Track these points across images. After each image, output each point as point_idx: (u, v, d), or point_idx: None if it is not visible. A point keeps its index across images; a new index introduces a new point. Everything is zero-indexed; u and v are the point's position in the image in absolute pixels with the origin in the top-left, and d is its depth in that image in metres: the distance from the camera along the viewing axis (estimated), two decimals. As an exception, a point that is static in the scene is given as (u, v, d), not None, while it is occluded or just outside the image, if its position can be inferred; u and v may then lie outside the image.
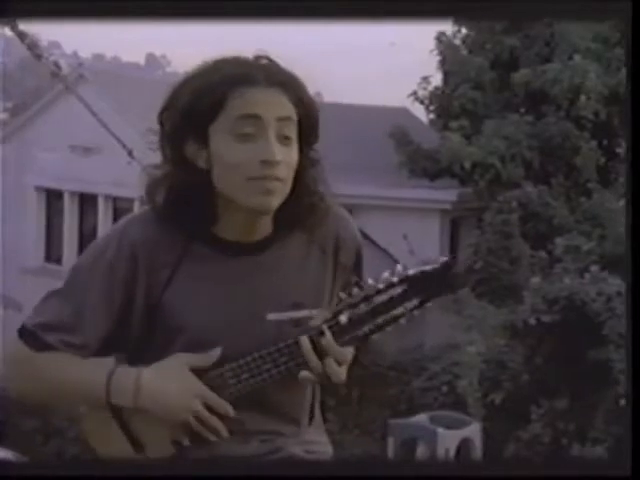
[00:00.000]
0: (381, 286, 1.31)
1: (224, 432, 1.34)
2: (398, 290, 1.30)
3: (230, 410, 1.34)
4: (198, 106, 1.32)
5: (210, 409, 1.34)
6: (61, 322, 1.36)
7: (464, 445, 6.76)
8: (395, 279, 1.31)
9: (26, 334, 1.36)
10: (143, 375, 1.34)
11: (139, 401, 1.33)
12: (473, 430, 6.90)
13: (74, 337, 1.36)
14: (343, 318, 1.31)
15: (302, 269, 1.42)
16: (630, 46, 1.47)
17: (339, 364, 1.33)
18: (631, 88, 1.48)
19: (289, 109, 1.34)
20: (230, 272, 1.38)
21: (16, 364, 1.38)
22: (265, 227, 1.39)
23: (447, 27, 12.12)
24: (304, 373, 1.33)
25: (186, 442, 1.35)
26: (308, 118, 1.36)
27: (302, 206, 1.37)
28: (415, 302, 1.31)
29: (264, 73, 1.33)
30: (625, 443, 1.40)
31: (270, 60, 1.36)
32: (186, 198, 1.34)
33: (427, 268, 1.31)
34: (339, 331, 1.32)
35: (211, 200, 1.35)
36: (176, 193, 1.35)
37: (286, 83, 1.34)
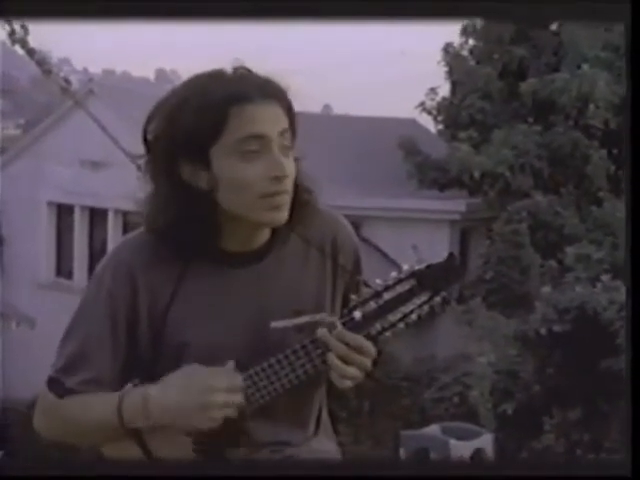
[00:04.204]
0: (390, 282, 1.31)
1: (240, 399, 1.31)
2: (406, 286, 1.31)
3: (239, 382, 1.32)
4: (197, 129, 1.30)
5: (223, 392, 1.30)
6: (74, 361, 1.37)
7: (476, 456, 6.72)
8: (402, 275, 1.31)
9: (51, 382, 1.38)
10: (149, 390, 1.34)
11: (150, 415, 1.32)
12: (485, 441, 6.85)
13: (88, 373, 1.36)
14: (357, 314, 1.31)
15: (302, 273, 1.42)
16: (630, 47, 1.47)
17: (361, 354, 1.32)
18: (631, 90, 1.48)
19: (285, 120, 1.34)
20: (231, 283, 1.38)
21: (45, 413, 1.40)
22: (264, 234, 1.40)
23: (454, 38, 12.17)
24: (331, 357, 1.30)
25: (206, 448, 1.33)
26: (292, 121, 1.37)
27: (297, 204, 1.37)
28: (424, 297, 1.31)
29: (256, 87, 1.32)
30: (625, 443, 1.39)
31: (249, 71, 1.35)
32: (188, 221, 1.32)
33: (433, 262, 1.32)
34: (352, 328, 1.32)
35: (214, 219, 1.34)
36: (177, 217, 1.33)
37: (277, 94, 1.34)
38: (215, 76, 1.34)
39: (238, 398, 1.32)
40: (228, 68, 1.35)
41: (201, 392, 1.31)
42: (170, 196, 1.33)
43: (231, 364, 1.33)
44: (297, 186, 1.37)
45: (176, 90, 1.35)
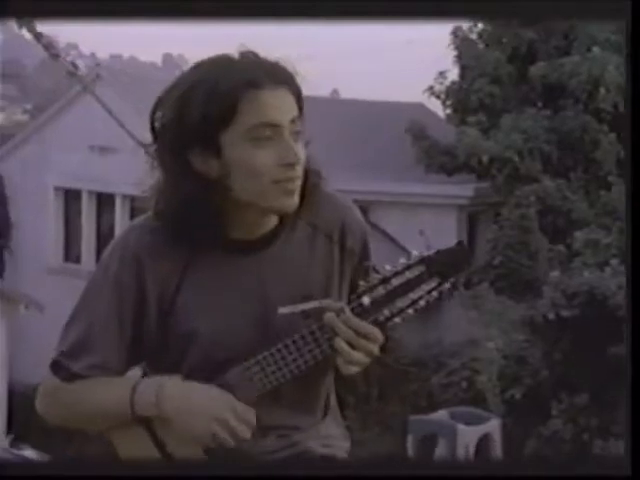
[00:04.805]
0: (398, 268, 1.31)
1: (248, 435, 1.33)
2: (415, 272, 1.30)
3: (254, 418, 1.33)
4: (207, 116, 1.29)
5: (237, 416, 1.32)
6: (79, 346, 1.36)
7: (484, 441, 6.73)
8: (411, 261, 1.31)
9: (55, 366, 1.37)
10: (167, 383, 1.33)
11: (162, 409, 1.32)
12: (493, 426, 6.85)
13: (94, 358, 1.35)
14: (366, 299, 1.31)
15: (309, 259, 1.41)
16: (630, 46, 1.46)
17: (369, 340, 1.31)
18: (631, 87, 1.47)
19: (295, 107, 1.33)
20: (239, 270, 1.37)
21: (48, 396, 1.39)
22: (271, 221, 1.39)
23: (463, 22, 12.08)
24: (338, 342, 1.30)
25: (218, 450, 1.33)
26: (300, 106, 1.36)
27: (306, 189, 1.36)
28: (433, 284, 1.30)
29: (266, 73, 1.31)
30: (625, 443, 1.38)
31: (256, 56, 1.33)
32: (196, 208, 1.32)
33: (442, 248, 1.31)
34: (361, 313, 1.31)
35: (223, 207, 1.33)
36: (186, 205, 1.32)
37: (287, 80, 1.33)
38: (223, 62, 1.33)
39: (245, 431, 1.32)
40: (235, 53, 1.33)
41: (218, 404, 1.32)
42: (179, 183, 1.32)
43: (253, 392, 1.33)
44: (306, 170, 1.36)
45: (184, 76, 1.34)
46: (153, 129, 1.35)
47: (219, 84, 1.30)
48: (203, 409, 1.32)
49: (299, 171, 1.33)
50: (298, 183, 1.33)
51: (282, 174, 1.31)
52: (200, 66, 1.33)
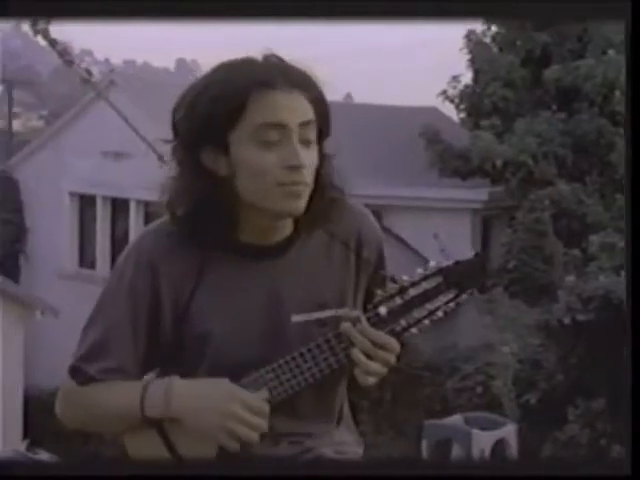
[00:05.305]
0: (416, 278, 1.30)
1: (264, 427, 1.31)
2: (433, 283, 1.30)
3: (266, 408, 1.32)
4: (216, 113, 1.29)
5: (248, 410, 1.31)
6: (95, 350, 1.37)
7: (499, 446, 6.69)
8: (429, 271, 1.30)
9: (73, 370, 1.39)
10: (174, 383, 1.34)
11: (171, 409, 1.32)
12: (508, 431, 6.81)
13: (109, 362, 1.36)
14: (382, 310, 1.30)
15: (325, 267, 1.40)
16: (630, 46, 1.46)
17: (385, 351, 1.30)
18: (631, 88, 1.46)
19: (309, 112, 1.33)
20: (254, 275, 1.37)
21: (66, 399, 1.41)
22: (286, 228, 1.38)
23: (477, 25, 12.06)
24: (355, 352, 1.29)
25: (231, 449, 1.31)
26: (322, 115, 1.35)
27: (323, 201, 1.36)
28: (450, 295, 1.30)
29: (281, 74, 1.31)
30: (625, 443, 1.37)
31: (280, 59, 1.34)
32: (207, 207, 1.32)
33: (461, 260, 1.30)
34: (377, 323, 1.30)
35: (233, 207, 1.33)
36: (197, 203, 1.33)
37: (304, 84, 1.32)
38: (241, 63, 1.33)
39: (259, 422, 1.31)
40: (259, 56, 1.34)
41: (227, 399, 1.31)
42: (191, 182, 1.33)
43: (265, 393, 1.33)
44: (327, 184, 1.36)
45: (205, 75, 1.35)
46: (174, 127, 1.36)
47: (231, 82, 1.30)
48: (213, 406, 1.31)
49: (305, 176, 1.31)
50: (303, 188, 1.32)
51: (286, 177, 1.30)
52: (219, 66, 1.35)
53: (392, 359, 1.32)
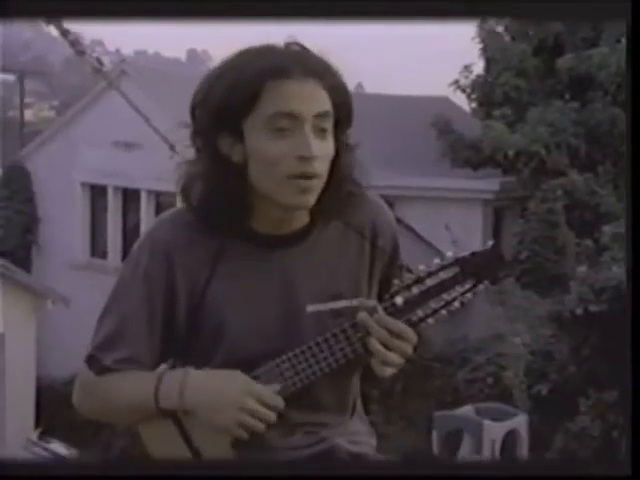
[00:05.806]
0: (433, 269, 1.30)
1: (273, 419, 1.31)
2: (450, 273, 1.29)
3: (281, 403, 1.32)
4: (232, 100, 1.29)
5: (261, 403, 1.31)
6: (110, 340, 1.37)
7: (510, 437, 6.68)
8: (446, 262, 1.30)
9: (89, 360, 1.39)
10: (189, 375, 1.33)
11: (185, 401, 1.32)
12: (519, 422, 6.81)
13: (124, 352, 1.36)
14: (399, 299, 1.30)
15: (340, 258, 1.39)
16: (630, 46, 1.45)
17: (402, 340, 1.30)
18: (631, 88, 1.45)
19: (325, 102, 1.31)
20: (269, 264, 1.36)
21: (83, 389, 1.41)
22: (301, 218, 1.37)
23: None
24: (373, 342, 1.29)
25: (245, 443, 1.31)
26: (342, 105, 1.34)
27: (340, 194, 1.35)
28: (467, 285, 1.30)
29: (298, 63, 1.30)
30: (625, 443, 1.37)
31: (302, 47, 1.33)
32: (222, 194, 1.32)
33: (477, 250, 1.30)
34: (394, 313, 1.30)
35: (247, 194, 1.33)
36: (212, 190, 1.32)
37: (321, 73, 1.31)
38: (260, 51, 1.33)
39: (272, 415, 1.31)
40: (280, 43, 1.33)
41: (240, 392, 1.31)
42: (208, 167, 1.33)
43: (276, 387, 1.33)
44: (345, 177, 1.35)
45: (224, 61, 1.34)
46: (193, 110, 1.36)
47: (248, 70, 1.30)
48: (227, 400, 1.31)
49: (316, 168, 1.30)
50: (315, 182, 1.30)
51: (296, 168, 1.29)
52: (240, 52, 1.34)
53: (409, 349, 1.31)
